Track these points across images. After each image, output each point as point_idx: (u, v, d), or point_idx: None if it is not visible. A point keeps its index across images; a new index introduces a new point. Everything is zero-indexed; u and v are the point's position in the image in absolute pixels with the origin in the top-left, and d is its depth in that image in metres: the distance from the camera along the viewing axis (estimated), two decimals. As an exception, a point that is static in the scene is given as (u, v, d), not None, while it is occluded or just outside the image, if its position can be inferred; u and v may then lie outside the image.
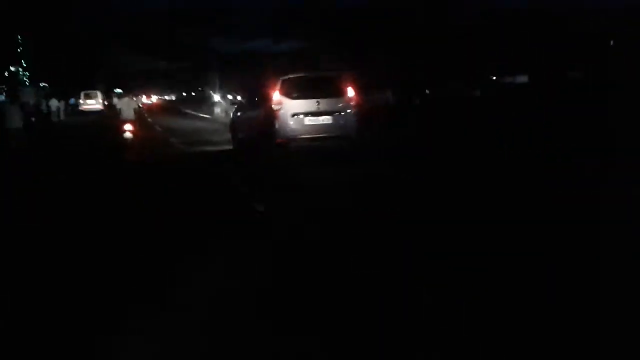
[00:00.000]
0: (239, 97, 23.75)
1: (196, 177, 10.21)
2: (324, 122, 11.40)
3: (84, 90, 39.12)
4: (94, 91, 39.84)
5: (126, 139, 15.14)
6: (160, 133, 21.51)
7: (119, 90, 48.95)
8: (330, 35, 43.64)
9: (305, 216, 6.33)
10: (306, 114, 11.40)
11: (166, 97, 55.57)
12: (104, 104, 39.97)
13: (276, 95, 11.59)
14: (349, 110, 11.64)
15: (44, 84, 30.59)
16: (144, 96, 50.54)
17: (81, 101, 38.56)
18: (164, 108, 45.29)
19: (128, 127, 15.53)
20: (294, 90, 11.65)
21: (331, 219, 6.12)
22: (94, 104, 38.30)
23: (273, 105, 11.55)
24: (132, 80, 55.80)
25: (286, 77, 11.87)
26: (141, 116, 27.53)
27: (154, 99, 50.46)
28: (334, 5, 43.79)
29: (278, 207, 6.82)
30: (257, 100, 12.65)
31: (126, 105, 18.35)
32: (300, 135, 11.43)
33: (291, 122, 11.36)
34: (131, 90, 49.99)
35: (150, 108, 43.19)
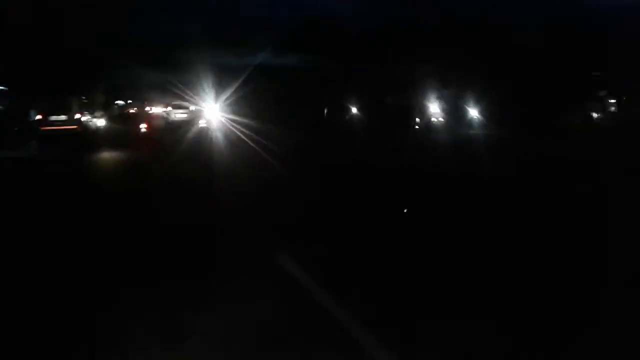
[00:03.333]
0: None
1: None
2: (183, 117, 30.79)
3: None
4: (64, 99, 25.21)
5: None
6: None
7: (120, 102, 54.60)
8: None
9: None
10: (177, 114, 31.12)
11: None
12: (80, 122, 25.21)
13: (169, 108, 29.62)
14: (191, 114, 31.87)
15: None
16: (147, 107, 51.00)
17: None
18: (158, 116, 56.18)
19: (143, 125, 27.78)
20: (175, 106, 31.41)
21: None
22: (64, 119, 24.30)
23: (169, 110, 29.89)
24: (141, 92, 53.68)
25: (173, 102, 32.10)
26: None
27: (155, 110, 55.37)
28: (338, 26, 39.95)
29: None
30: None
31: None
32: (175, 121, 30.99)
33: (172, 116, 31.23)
34: (139, 101, 54.20)
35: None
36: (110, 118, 37.35)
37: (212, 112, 35.40)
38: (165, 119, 35.28)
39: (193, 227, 7.59)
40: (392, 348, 3.83)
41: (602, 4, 31.94)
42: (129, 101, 57.98)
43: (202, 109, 37.10)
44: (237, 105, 34.34)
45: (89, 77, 42.36)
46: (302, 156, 17.79)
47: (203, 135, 27.14)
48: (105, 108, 40.44)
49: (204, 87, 37.77)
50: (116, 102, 54.28)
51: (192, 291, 4.98)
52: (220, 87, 35.33)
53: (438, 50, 29.44)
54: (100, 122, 32.88)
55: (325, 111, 31.20)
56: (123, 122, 37.72)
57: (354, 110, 30.95)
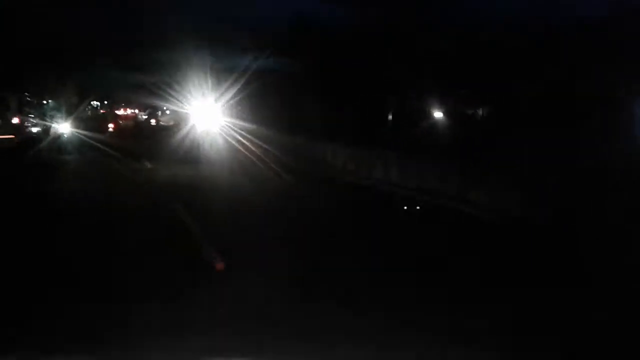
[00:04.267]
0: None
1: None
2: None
3: None
4: None
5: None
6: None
7: (95, 104, 49.14)
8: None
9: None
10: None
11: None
12: (19, 129, 19.88)
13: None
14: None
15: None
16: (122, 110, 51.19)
17: None
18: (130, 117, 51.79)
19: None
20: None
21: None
22: None
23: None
24: (122, 92, 52.96)
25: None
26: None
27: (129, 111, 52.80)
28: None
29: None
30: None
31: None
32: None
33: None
34: (118, 103, 49.82)
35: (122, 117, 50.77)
36: (77, 122, 30.80)
37: (208, 116, 27.90)
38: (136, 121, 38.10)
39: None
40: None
41: None
42: (105, 102, 51.35)
43: (191, 112, 29.78)
44: (244, 109, 26.27)
45: (56, 74, 36.69)
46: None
47: (194, 148, 19.64)
48: (74, 111, 33.60)
49: (199, 88, 30.21)
50: (92, 103, 48.28)
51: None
52: (220, 87, 27.49)
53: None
54: (64, 129, 26.54)
55: (390, 117, 20.83)
56: (92, 127, 31.49)
57: (438, 115, 19.26)
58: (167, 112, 44.30)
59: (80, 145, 22.47)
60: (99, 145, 21.90)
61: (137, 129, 37.90)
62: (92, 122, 36.23)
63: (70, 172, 14.04)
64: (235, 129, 23.98)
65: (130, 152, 19.03)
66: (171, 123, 37.90)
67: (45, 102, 33.68)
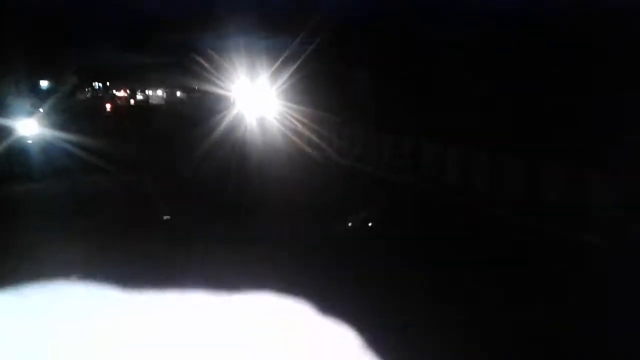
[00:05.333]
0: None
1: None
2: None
3: None
4: None
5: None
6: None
7: (99, 85, 45.37)
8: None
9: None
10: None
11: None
12: None
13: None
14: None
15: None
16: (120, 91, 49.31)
17: None
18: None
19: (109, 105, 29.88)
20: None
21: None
22: None
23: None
24: (120, 76, 47.64)
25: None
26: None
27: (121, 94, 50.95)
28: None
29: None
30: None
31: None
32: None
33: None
34: (114, 85, 46.77)
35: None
36: (63, 113, 21.90)
37: (254, 103, 18.31)
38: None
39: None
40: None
41: None
42: (108, 83, 44.48)
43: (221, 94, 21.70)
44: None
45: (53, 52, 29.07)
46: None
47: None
48: (66, 95, 28.24)
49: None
50: (94, 83, 44.62)
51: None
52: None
53: None
54: (28, 128, 16.96)
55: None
56: (84, 115, 23.93)
57: None
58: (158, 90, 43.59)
59: (41, 164, 13.56)
60: (85, 157, 13.51)
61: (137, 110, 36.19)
62: (88, 107, 30.48)
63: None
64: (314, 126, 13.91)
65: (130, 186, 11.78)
66: (163, 102, 38.76)
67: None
